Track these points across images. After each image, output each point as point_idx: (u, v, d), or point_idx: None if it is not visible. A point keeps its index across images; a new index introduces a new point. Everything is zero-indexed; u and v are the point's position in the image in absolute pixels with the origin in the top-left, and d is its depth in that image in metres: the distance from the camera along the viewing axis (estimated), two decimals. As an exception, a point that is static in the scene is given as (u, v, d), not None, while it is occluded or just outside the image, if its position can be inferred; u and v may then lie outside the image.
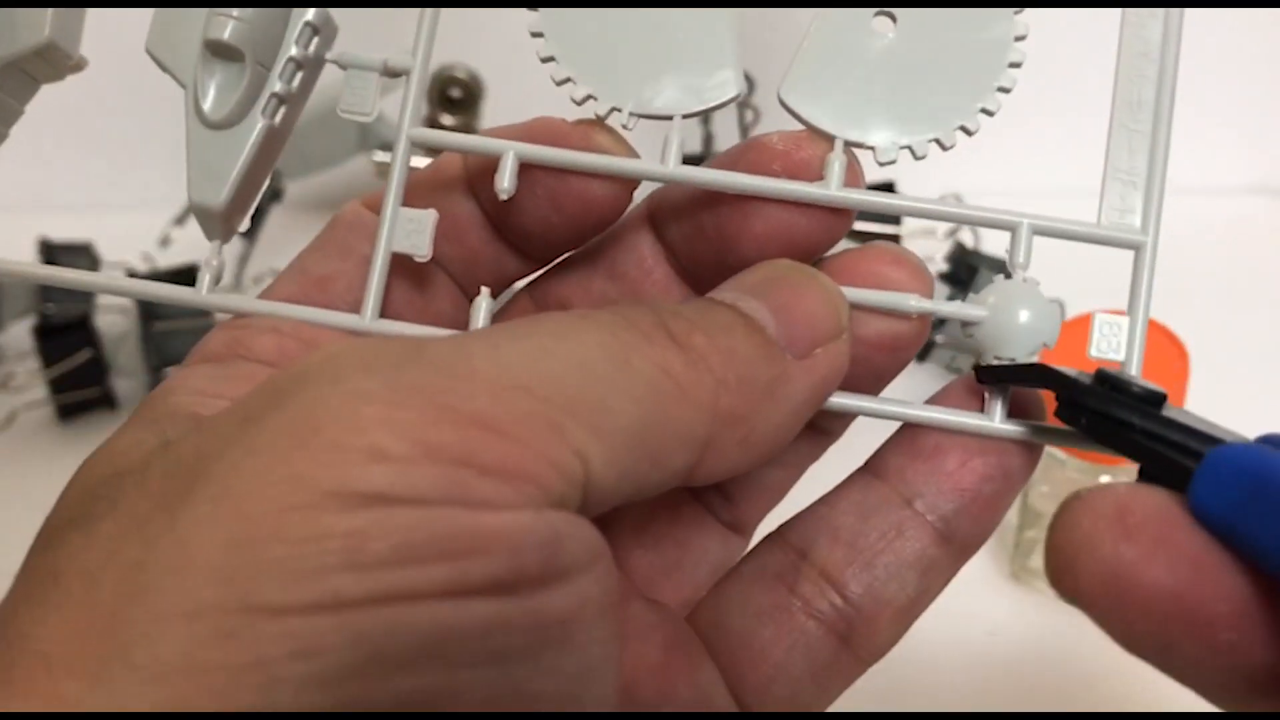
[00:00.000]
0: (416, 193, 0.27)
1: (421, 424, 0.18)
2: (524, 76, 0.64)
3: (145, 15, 0.66)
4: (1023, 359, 0.25)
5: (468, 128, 0.57)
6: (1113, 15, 0.66)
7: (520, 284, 0.29)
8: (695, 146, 0.58)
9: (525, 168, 0.26)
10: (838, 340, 0.23)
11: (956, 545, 0.25)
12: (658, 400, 0.20)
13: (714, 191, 0.26)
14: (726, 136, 0.57)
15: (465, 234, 0.27)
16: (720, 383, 0.21)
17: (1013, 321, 0.25)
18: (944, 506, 0.25)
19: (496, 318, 0.27)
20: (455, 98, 0.56)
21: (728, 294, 0.23)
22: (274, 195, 0.57)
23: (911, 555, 0.25)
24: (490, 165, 0.26)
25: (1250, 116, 0.65)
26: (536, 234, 0.26)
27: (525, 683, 0.19)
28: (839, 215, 0.26)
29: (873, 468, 0.26)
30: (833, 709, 0.43)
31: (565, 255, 0.28)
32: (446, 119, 0.56)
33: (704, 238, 0.26)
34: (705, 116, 0.56)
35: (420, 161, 0.29)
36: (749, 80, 0.56)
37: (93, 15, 0.66)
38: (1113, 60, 0.67)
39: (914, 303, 0.25)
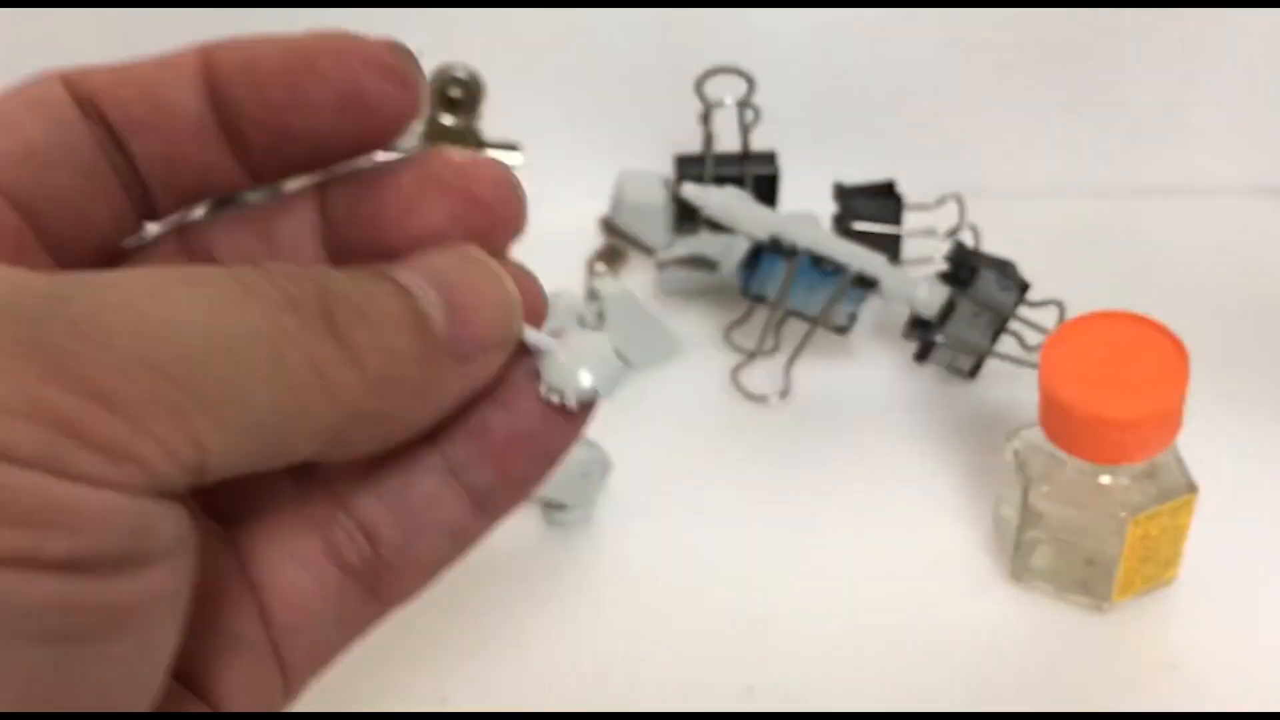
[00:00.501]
0: (124, 74, 0.25)
1: (37, 381, 0.18)
2: (524, 76, 0.64)
3: (149, 15, 0.66)
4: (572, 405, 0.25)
5: (469, 129, 0.57)
6: (1113, 16, 0.66)
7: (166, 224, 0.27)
8: (695, 147, 0.57)
9: (312, 60, 0.25)
10: (502, 348, 0.24)
11: (490, 514, 0.25)
12: (300, 396, 0.20)
13: (386, 177, 0.26)
14: (727, 137, 0.57)
15: (187, 132, 0.24)
16: (371, 385, 0.21)
17: (573, 377, 0.25)
18: (483, 481, 0.25)
19: (144, 254, 0.26)
20: (455, 98, 0.56)
21: (411, 277, 0.23)
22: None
23: (447, 522, 0.25)
24: (275, 64, 0.25)
25: (1250, 116, 0.65)
26: (296, 141, 0.25)
27: (72, 665, 0.18)
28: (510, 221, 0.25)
29: (432, 435, 0.25)
30: (832, 709, 0.43)
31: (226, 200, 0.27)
32: (447, 119, 0.56)
33: (361, 224, 0.26)
34: (705, 116, 0.56)
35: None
36: (748, 80, 0.56)
37: (96, 15, 0.66)
38: (1113, 60, 0.68)
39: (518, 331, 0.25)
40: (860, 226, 0.57)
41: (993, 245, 0.55)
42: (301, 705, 0.25)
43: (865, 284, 0.52)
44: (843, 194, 0.58)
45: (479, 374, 0.23)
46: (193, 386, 0.19)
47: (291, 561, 0.24)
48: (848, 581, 0.48)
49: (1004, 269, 0.53)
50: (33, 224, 0.24)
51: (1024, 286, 0.52)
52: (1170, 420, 0.43)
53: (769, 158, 0.58)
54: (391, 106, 0.25)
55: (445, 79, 0.56)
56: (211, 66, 0.25)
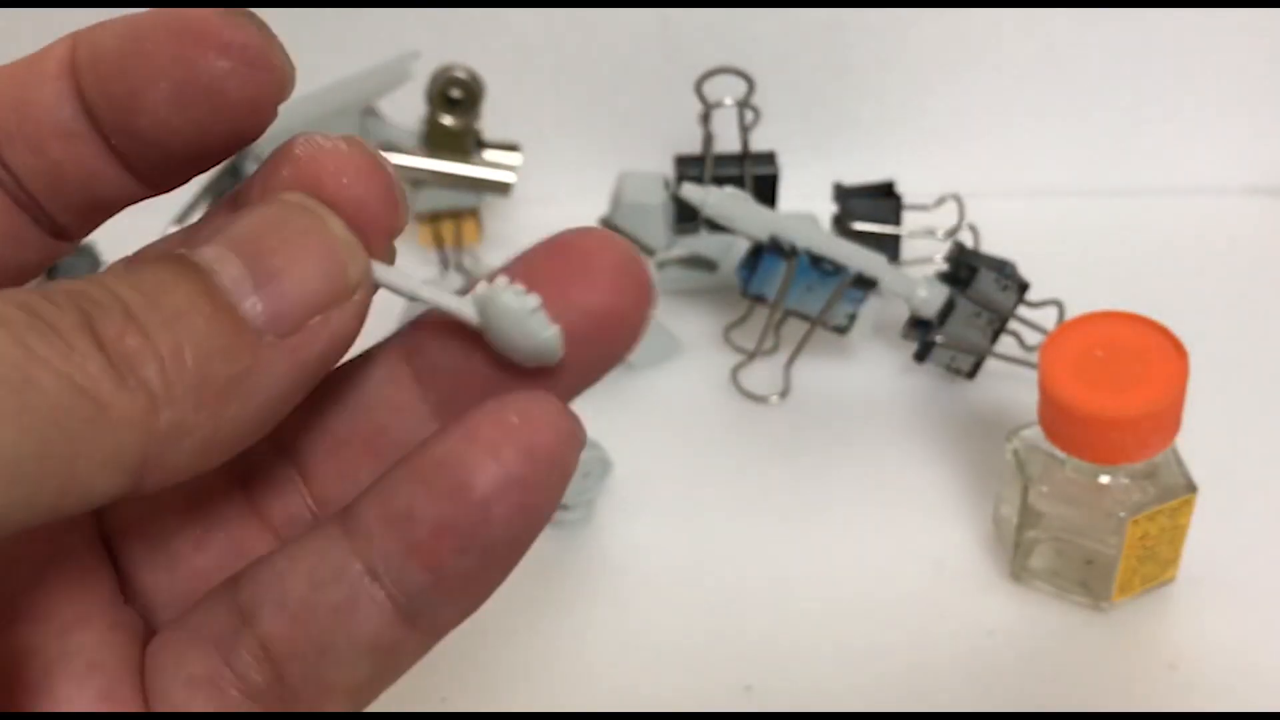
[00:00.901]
0: (5, 79, 0.22)
1: None
2: (524, 76, 0.64)
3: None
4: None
5: (468, 129, 0.57)
6: (1113, 16, 0.66)
7: None
8: (695, 147, 0.57)
9: (142, 44, 0.21)
10: (344, 304, 0.20)
11: (425, 628, 0.21)
12: (63, 424, 0.17)
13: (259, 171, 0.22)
14: (727, 137, 0.57)
15: (56, 138, 0.21)
16: (156, 395, 0.18)
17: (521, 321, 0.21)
18: (411, 581, 0.20)
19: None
20: (455, 98, 0.56)
21: (206, 250, 0.20)
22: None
23: (365, 636, 0.21)
24: (112, 53, 0.21)
25: (1250, 116, 0.65)
26: (152, 143, 0.21)
27: None
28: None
29: (345, 518, 0.21)
30: (832, 709, 0.43)
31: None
32: (447, 119, 0.56)
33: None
34: (705, 116, 0.56)
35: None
36: (748, 80, 0.56)
37: (93, 15, 0.66)
38: (1114, 62, 0.68)
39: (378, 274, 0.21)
40: (860, 226, 0.57)
41: (992, 245, 0.55)
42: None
43: (865, 284, 0.52)
44: (842, 194, 0.58)
45: (319, 347, 0.20)
46: None
47: (187, 688, 0.21)
48: (847, 581, 0.48)
49: (1003, 269, 0.53)
50: None
51: (1023, 286, 0.52)
52: (1169, 420, 0.43)
53: (769, 158, 0.58)
54: (242, 91, 0.20)
55: (445, 79, 0.56)
56: (74, 60, 0.21)
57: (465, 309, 0.21)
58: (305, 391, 0.20)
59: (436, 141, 0.57)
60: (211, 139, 0.21)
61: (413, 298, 0.21)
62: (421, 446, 0.21)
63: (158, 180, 0.22)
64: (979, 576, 0.47)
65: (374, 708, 0.25)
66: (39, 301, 0.18)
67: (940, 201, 0.57)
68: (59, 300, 0.18)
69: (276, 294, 0.19)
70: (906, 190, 0.58)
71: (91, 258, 0.55)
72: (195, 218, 0.57)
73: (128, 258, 0.21)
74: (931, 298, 0.52)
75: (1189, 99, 0.64)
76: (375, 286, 0.21)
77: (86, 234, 0.23)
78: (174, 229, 0.57)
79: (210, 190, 0.56)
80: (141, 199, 0.22)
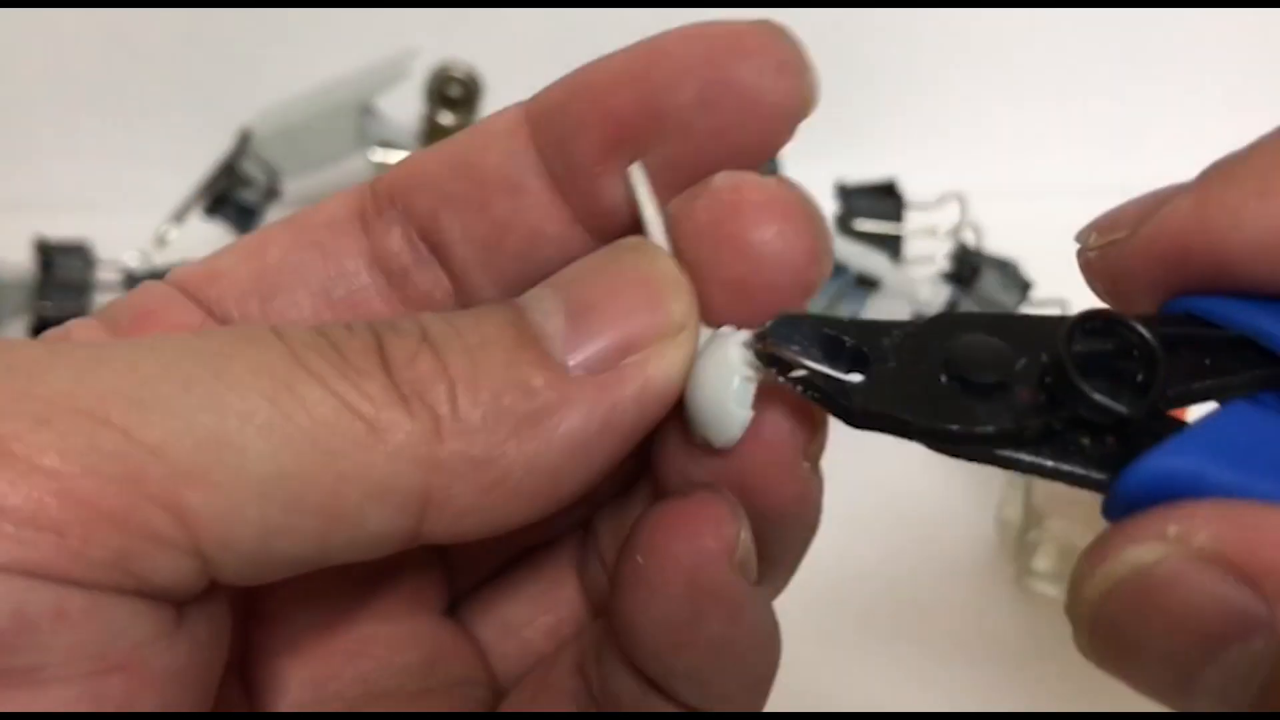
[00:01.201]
0: (432, 153, 0.21)
1: None
2: (523, 75, 0.64)
3: (149, 16, 0.65)
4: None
5: (466, 127, 0.56)
6: (1115, 16, 0.66)
7: None
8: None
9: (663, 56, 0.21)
10: (666, 341, 0.18)
11: None
12: (326, 443, 0.16)
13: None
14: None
15: (502, 193, 0.21)
16: (441, 422, 0.16)
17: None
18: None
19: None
20: (454, 96, 0.56)
21: (531, 292, 0.19)
22: (271, 194, 0.57)
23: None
24: (558, 100, 0.21)
25: (1254, 115, 0.64)
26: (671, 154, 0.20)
27: None
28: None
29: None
30: (833, 708, 0.43)
31: None
32: (445, 118, 0.56)
33: None
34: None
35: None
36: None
37: (92, 14, 0.66)
38: (1116, 60, 0.67)
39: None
40: (861, 226, 0.56)
41: (995, 245, 0.55)
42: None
43: (867, 283, 0.52)
44: (844, 193, 0.58)
45: (630, 390, 0.18)
46: (154, 442, 0.15)
47: None
48: (849, 581, 0.47)
49: (1006, 269, 0.53)
50: None
51: (1026, 286, 0.52)
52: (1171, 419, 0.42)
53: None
54: (774, 96, 0.20)
55: (443, 78, 0.55)
56: (539, 109, 0.21)
57: (702, 333, 0.19)
58: (625, 445, 0.18)
59: (435, 140, 0.56)
60: (735, 147, 0.20)
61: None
62: None
63: (613, 227, 0.20)
64: (982, 578, 0.47)
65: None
66: (334, 327, 0.17)
67: (942, 200, 0.57)
68: (355, 325, 0.17)
69: (584, 325, 0.18)
70: (909, 189, 0.57)
71: (84, 258, 0.55)
72: (192, 216, 0.57)
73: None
74: (934, 297, 0.52)
75: (1192, 97, 0.64)
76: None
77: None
78: (172, 228, 0.57)
79: (207, 190, 0.56)
80: (577, 257, 0.20)
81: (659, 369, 0.18)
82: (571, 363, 0.17)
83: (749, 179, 0.19)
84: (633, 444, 0.18)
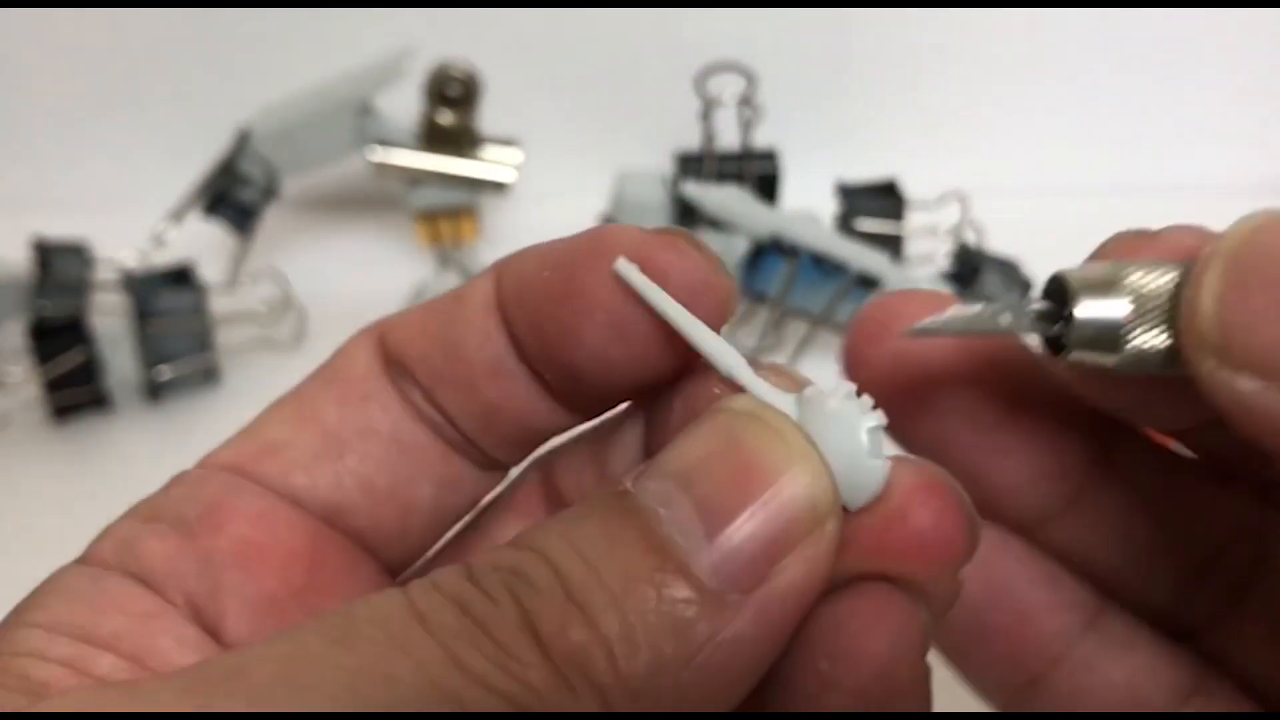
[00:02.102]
0: (423, 322, 0.21)
1: None
2: (523, 73, 0.64)
3: (148, 15, 0.65)
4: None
5: (465, 126, 0.56)
6: (1115, 16, 0.66)
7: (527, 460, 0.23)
8: (695, 144, 0.57)
9: (573, 273, 0.19)
10: (815, 534, 0.17)
11: None
12: None
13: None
14: (728, 135, 0.56)
15: (486, 377, 0.20)
16: (607, 693, 0.16)
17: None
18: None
19: (499, 503, 0.23)
20: (453, 95, 0.56)
21: (649, 485, 0.17)
22: (270, 193, 0.57)
23: None
24: (530, 281, 0.20)
25: (1256, 114, 0.64)
26: (587, 376, 0.20)
27: None
28: None
29: None
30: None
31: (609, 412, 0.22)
32: (444, 116, 0.56)
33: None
34: (705, 114, 0.55)
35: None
36: (749, 78, 0.55)
37: (91, 14, 0.66)
38: (1117, 60, 0.67)
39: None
40: (862, 225, 0.56)
41: (995, 244, 0.55)
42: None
43: (867, 283, 0.52)
44: (844, 193, 0.58)
45: (786, 599, 0.17)
46: None
47: None
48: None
49: (1007, 268, 0.53)
50: (358, 538, 0.21)
51: (1027, 285, 0.52)
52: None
53: (770, 156, 0.58)
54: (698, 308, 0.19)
55: (442, 76, 0.55)
56: (500, 294, 0.20)
57: (783, 403, 0.18)
58: (782, 644, 0.17)
59: (434, 139, 0.56)
60: (654, 366, 0.19)
61: (729, 376, 0.19)
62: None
63: (593, 408, 0.21)
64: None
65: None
66: (471, 593, 0.16)
67: (943, 200, 0.57)
68: (493, 588, 0.16)
69: (733, 542, 0.16)
70: (909, 188, 0.57)
71: (82, 258, 0.55)
72: (191, 216, 0.57)
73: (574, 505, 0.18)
74: (934, 297, 0.52)
75: (1194, 96, 0.64)
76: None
77: (519, 461, 0.22)
78: (170, 227, 0.57)
79: (206, 189, 0.56)
80: (574, 426, 0.21)
81: (810, 569, 0.17)
82: (720, 578, 0.16)
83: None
84: (789, 637, 0.18)
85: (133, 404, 0.55)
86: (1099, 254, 0.20)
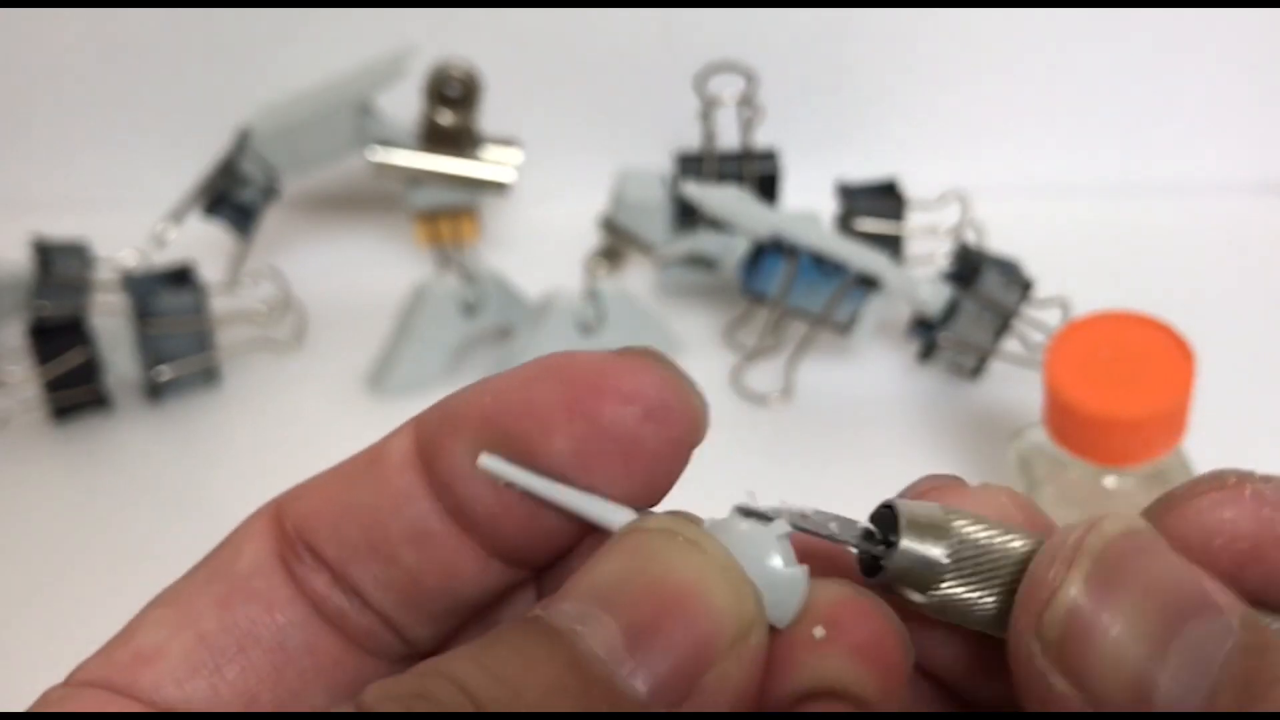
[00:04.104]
0: (330, 491, 0.20)
1: None
2: (523, 73, 0.64)
3: (147, 15, 0.65)
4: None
5: (465, 126, 0.56)
6: (1116, 16, 0.66)
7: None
8: (695, 144, 0.57)
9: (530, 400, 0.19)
10: (739, 647, 0.17)
11: None
12: None
13: None
14: (728, 135, 0.56)
15: (408, 543, 0.19)
16: None
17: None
18: None
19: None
20: (452, 95, 0.56)
21: (565, 607, 0.17)
22: (269, 193, 0.57)
23: None
24: (440, 438, 0.19)
25: (1258, 114, 0.64)
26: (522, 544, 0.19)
27: None
28: None
29: None
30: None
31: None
32: (444, 117, 0.56)
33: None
34: (705, 114, 0.55)
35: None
36: (749, 78, 0.55)
37: (90, 14, 0.66)
38: (1117, 60, 0.67)
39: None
40: (862, 225, 0.56)
41: (996, 244, 0.55)
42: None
43: (867, 283, 0.52)
44: (844, 192, 0.58)
45: (721, 707, 0.17)
46: None
47: None
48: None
49: (1007, 268, 0.53)
50: None
51: (1027, 285, 0.52)
52: (1176, 421, 0.42)
53: (770, 156, 0.58)
54: (655, 442, 0.18)
55: (442, 76, 0.55)
56: (421, 447, 0.19)
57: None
58: None
59: (433, 139, 0.56)
60: (619, 490, 0.18)
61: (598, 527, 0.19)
62: None
63: (533, 557, 0.19)
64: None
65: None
66: (415, 691, 0.16)
67: (943, 200, 0.57)
68: (386, 711, 0.16)
69: (657, 656, 0.16)
70: (909, 188, 0.57)
71: (82, 257, 0.55)
72: (191, 216, 0.57)
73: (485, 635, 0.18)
74: (935, 297, 0.52)
75: (1195, 97, 0.64)
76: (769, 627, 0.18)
77: (437, 643, 0.20)
78: (170, 227, 0.57)
79: (206, 190, 0.56)
80: (507, 586, 0.20)
81: (738, 676, 0.17)
82: (648, 699, 0.16)
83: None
84: None
85: (133, 404, 0.55)
86: (916, 490, 0.20)
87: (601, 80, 0.64)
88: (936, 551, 0.18)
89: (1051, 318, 0.53)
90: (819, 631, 0.18)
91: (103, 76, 0.65)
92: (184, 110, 0.65)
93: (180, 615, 0.19)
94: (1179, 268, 0.60)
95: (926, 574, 0.18)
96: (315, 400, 0.55)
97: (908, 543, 0.18)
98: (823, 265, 0.52)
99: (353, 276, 0.62)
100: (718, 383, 0.56)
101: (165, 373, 0.54)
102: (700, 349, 0.57)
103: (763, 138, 0.57)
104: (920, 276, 0.52)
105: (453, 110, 0.56)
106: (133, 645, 0.19)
